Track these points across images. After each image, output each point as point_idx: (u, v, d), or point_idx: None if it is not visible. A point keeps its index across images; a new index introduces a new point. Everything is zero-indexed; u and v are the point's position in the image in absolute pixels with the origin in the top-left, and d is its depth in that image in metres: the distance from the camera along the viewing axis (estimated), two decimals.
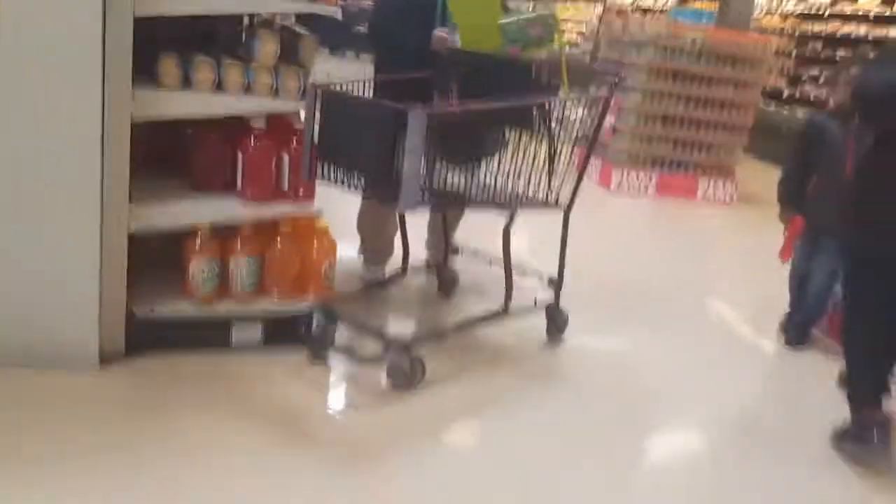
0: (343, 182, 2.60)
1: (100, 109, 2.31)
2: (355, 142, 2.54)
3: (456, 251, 3.48)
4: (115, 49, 2.30)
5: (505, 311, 2.87)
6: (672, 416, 2.90)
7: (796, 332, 3.56)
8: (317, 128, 2.60)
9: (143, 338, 2.58)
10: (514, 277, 2.91)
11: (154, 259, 2.72)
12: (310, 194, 2.77)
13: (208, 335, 2.68)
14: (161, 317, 2.61)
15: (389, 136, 2.40)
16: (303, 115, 2.82)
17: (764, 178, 7.06)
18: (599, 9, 17.83)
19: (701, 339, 3.63)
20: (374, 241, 3.53)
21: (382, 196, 2.67)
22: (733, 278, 4.86)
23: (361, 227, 3.54)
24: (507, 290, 2.86)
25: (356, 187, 2.63)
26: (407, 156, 2.34)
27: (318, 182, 2.68)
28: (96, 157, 2.34)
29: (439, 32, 3.11)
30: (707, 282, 4.74)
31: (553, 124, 2.86)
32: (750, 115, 6.72)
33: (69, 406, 2.33)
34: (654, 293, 4.06)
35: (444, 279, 3.47)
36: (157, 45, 2.54)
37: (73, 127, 2.31)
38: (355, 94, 2.81)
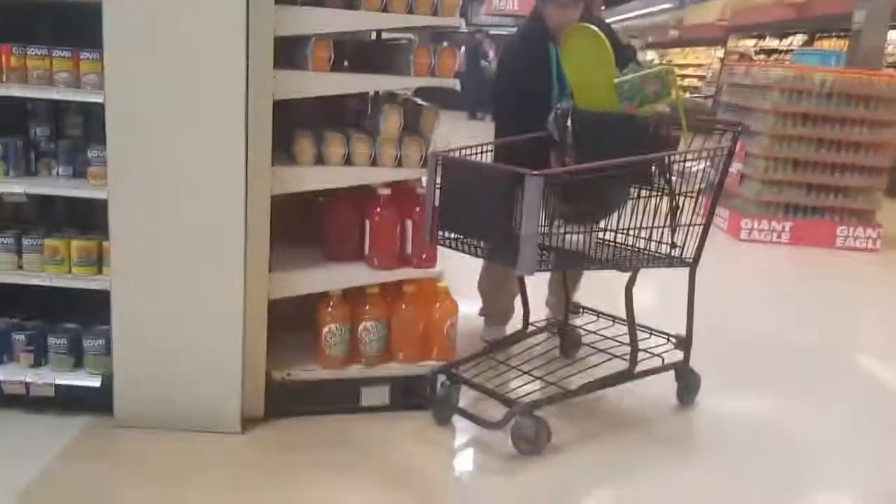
0: (464, 247, 2.66)
1: (243, 185, 2.48)
2: (475, 207, 2.59)
3: (578, 310, 3.45)
4: (256, 129, 2.47)
5: (631, 372, 2.81)
6: (823, 487, 2.72)
7: None
8: (438, 194, 2.68)
9: (280, 401, 2.70)
10: (641, 336, 2.85)
11: (286, 323, 2.87)
12: (432, 257, 2.85)
13: (339, 397, 2.78)
14: (296, 380, 2.73)
15: (508, 201, 2.44)
16: (424, 181, 2.93)
17: None
18: (721, 52, 17.52)
19: (852, 402, 3.38)
20: (496, 302, 3.57)
21: (502, 259, 2.70)
22: (886, 333, 4.52)
23: (482, 287, 3.59)
24: (632, 350, 2.80)
25: (477, 252, 2.67)
26: (525, 220, 2.38)
27: (439, 247, 2.75)
28: (240, 230, 2.51)
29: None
30: (854, 337, 4.44)
31: (674, 178, 2.82)
32: (888, 155, 6.33)
33: (215, 470, 2.47)
34: (795, 350, 3.85)
35: (567, 339, 3.44)
36: (293, 123, 2.72)
37: (219, 202, 2.49)
38: (474, 159, 2.87)
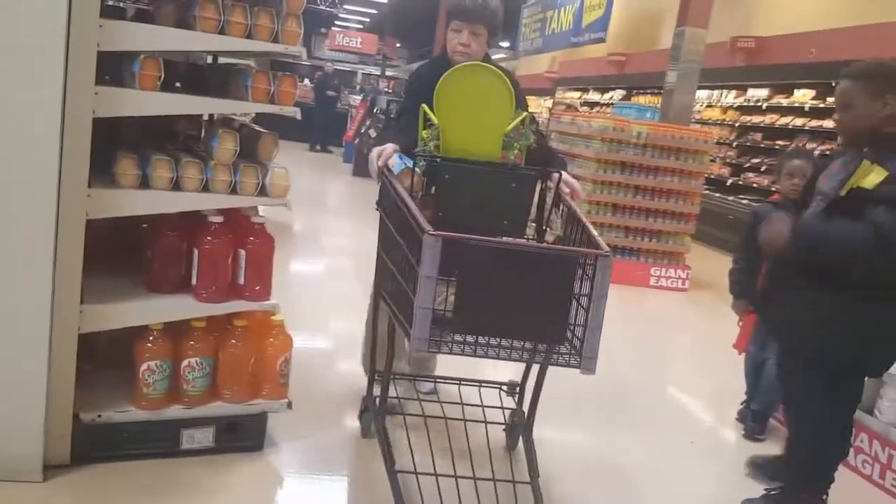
0: (493, 351, 2.10)
1: (54, 207, 2.28)
2: (513, 299, 2.07)
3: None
4: (72, 148, 2.28)
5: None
6: None
7: (754, 420, 3.59)
8: (448, 291, 2.10)
9: (89, 445, 2.47)
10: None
11: (100, 357, 2.64)
12: (266, 289, 2.74)
13: (157, 440, 2.58)
14: (108, 422, 2.50)
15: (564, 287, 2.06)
16: (261, 210, 2.83)
17: (715, 264, 7.27)
18: (550, 102, 18.63)
19: (662, 430, 3.63)
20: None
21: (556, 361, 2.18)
22: (691, 365, 4.91)
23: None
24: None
25: (520, 355, 2.16)
26: (596, 303, 2.07)
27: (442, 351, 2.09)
28: (48, 256, 2.29)
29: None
30: (664, 369, 4.77)
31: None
32: (696, 203, 6.96)
33: None
34: (612, 383, 4.07)
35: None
36: (122, 144, 2.54)
37: (25, 224, 2.27)
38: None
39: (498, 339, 2.09)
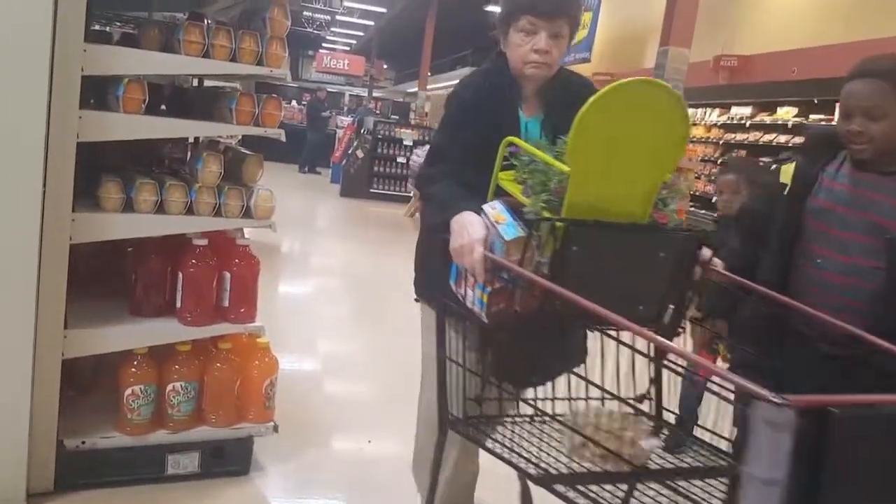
0: None
1: (38, 232, 2.26)
2: None
3: None
4: (56, 172, 2.28)
5: None
6: None
7: None
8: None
9: (73, 471, 2.43)
10: None
11: (84, 382, 2.61)
12: (251, 311, 2.73)
13: (142, 466, 2.56)
14: (92, 449, 2.47)
15: None
16: (247, 232, 2.83)
17: None
18: None
19: None
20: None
21: None
22: None
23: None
24: None
25: None
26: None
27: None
28: (32, 281, 2.27)
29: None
30: None
31: None
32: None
33: None
34: None
35: None
36: (107, 168, 2.53)
37: (9, 248, 2.25)
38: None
39: None
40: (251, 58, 2.59)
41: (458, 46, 25.18)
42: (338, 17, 23.75)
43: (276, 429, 2.74)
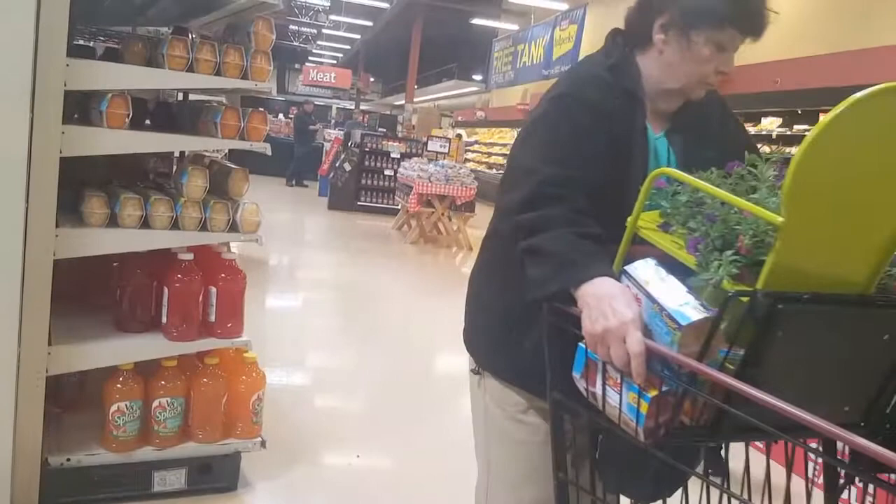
0: None
1: (20, 248, 2.24)
2: None
3: None
4: (39, 188, 2.25)
5: None
6: None
7: None
8: None
9: (58, 489, 2.40)
10: None
11: (69, 399, 2.58)
12: (238, 326, 2.71)
13: (128, 483, 2.53)
14: (77, 466, 2.44)
15: None
16: (234, 247, 2.81)
17: None
18: None
19: None
20: None
21: None
22: None
23: None
24: None
25: None
26: None
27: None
28: (15, 297, 2.24)
29: None
30: None
31: None
32: None
33: None
34: None
35: None
36: (90, 183, 2.51)
37: None
38: None
39: None
40: (236, 72, 2.58)
41: (444, 59, 25.32)
42: (324, 31, 23.83)
43: (263, 444, 2.72)
